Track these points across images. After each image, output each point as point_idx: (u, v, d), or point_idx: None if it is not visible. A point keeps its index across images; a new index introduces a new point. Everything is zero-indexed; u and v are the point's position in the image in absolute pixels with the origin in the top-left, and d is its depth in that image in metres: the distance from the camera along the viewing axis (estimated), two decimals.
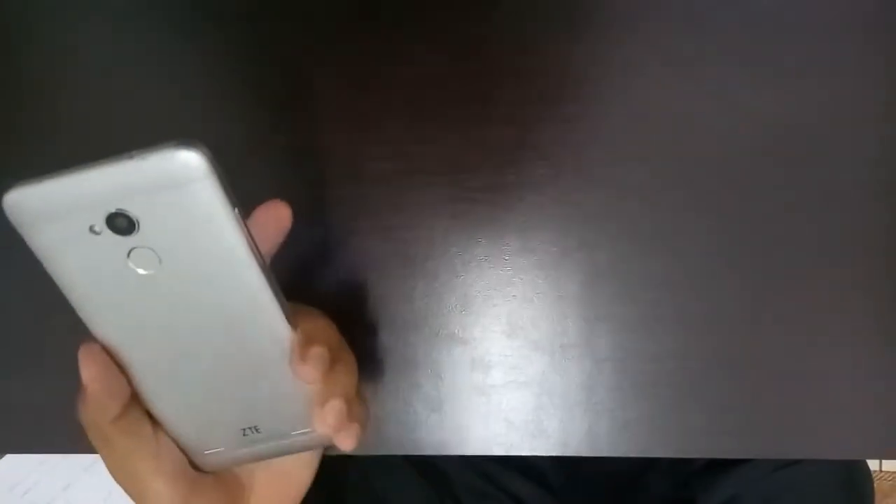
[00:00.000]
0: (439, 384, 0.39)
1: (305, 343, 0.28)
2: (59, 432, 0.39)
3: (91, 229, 0.24)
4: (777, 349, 0.38)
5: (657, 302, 0.38)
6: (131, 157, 0.23)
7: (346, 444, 0.29)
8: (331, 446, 0.30)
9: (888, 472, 1.09)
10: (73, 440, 0.40)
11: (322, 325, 0.31)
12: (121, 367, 0.28)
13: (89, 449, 0.37)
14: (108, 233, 0.24)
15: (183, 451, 0.30)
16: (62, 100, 0.43)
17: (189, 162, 0.23)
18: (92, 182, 0.23)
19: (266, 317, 0.27)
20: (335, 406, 0.28)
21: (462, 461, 0.57)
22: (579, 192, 0.40)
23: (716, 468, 0.50)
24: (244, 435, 0.30)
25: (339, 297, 0.40)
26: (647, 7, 0.41)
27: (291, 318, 0.28)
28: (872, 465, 1.03)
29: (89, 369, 0.27)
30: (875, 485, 1.06)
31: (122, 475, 0.29)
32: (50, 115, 0.43)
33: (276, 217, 0.30)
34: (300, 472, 0.34)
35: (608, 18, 0.41)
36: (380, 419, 0.40)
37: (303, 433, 0.31)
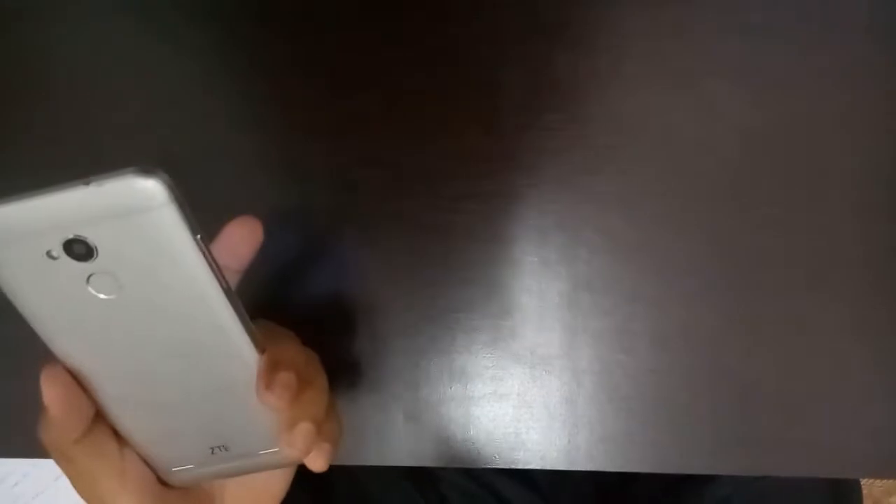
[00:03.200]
0: (419, 395, 0.39)
1: (271, 368, 0.27)
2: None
3: (48, 254, 0.24)
4: (755, 365, 0.38)
5: (636, 315, 0.38)
6: (88, 184, 0.23)
7: (317, 465, 0.29)
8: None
9: None
10: None
11: (290, 347, 0.31)
12: (84, 387, 0.27)
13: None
14: (65, 258, 0.24)
15: (150, 467, 0.30)
16: (36, 103, 0.42)
17: (148, 190, 0.23)
18: (48, 208, 0.23)
19: (230, 341, 0.27)
20: (303, 429, 0.28)
21: (461, 473, 0.58)
22: (559, 202, 0.39)
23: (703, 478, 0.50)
24: (212, 453, 0.30)
25: (317, 306, 0.40)
26: (629, 18, 0.40)
27: (258, 340, 0.28)
28: None
29: (51, 391, 0.26)
30: (867, 491, 1.06)
31: (89, 495, 0.29)
32: (23, 119, 0.42)
33: (248, 232, 0.30)
34: (273, 483, 0.34)
35: (589, 29, 0.40)
36: (358, 430, 0.39)
37: (272, 452, 0.30)
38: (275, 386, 0.27)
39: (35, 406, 0.35)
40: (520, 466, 0.39)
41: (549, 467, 0.38)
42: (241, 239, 0.30)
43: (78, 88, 0.42)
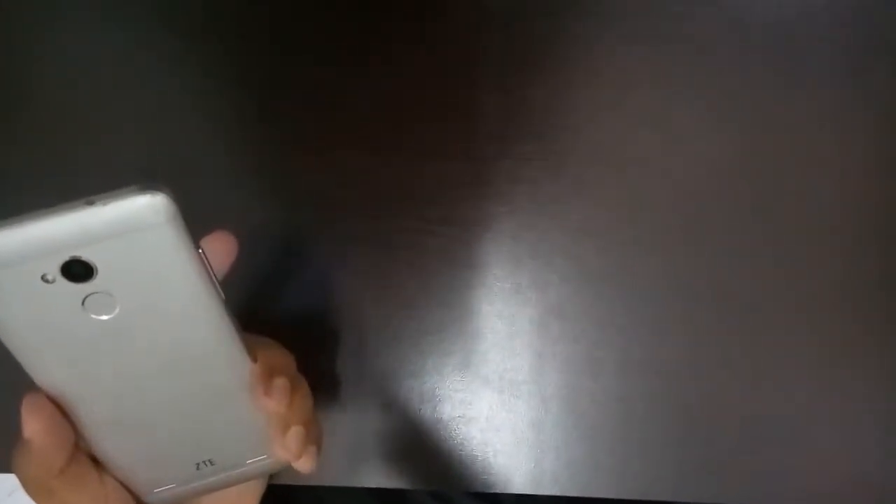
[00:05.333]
0: (389, 416, 0.39)
1: (267, 374, 0.28)
2: None
3: (43, 278, 0.23)
4: (719, 393, 0.38)
5: (603, 343, 0.39)
6: (91, 204, 0.22)
7: (307, 466, 0.30)
8: (275, 475, 0.30)
9: None
10: None
11: (279, 355, 0.31)
12: (66, 414, 0.27)
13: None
14: (62, 281, 0.23)
15: (131, 490, 0.30)
16: (16, 114, 0.42)
17: (154, 207, 0.23)
18: (48, 231, 0.22)
19: (226, 352, 0.27)
20: (297, 432, 0.29)
21: (429, 494, 0.57)
22: (533, 229, 0.40)
23: None
24: (197, 469, 0.30)
25: (289, 325, 0.40)
26: (602, 57, 0.41)
27: (249, 349, 0.28)
28: None
29: (35, 422, 0.25)
30: None
31: None
32: (3, 129, 0.42)
33: (223, 246, 0.30)
34: (246, 499, 0.34)
35: (565, 65, 0.41)
36: (328, 450, 0.39)
37: (258, 460, 0.31)
38: (273, 391, 0.28)
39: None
40: (487, 490, 0.39)
41: (515, 491, 0.39)
42: (216, 253, 0.30)
43: (59, 101, 0.42)
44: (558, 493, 0.38)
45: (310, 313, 0.40)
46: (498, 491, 0.39)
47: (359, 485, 0.39)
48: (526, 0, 0.42)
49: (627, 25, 0.42)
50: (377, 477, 0.39)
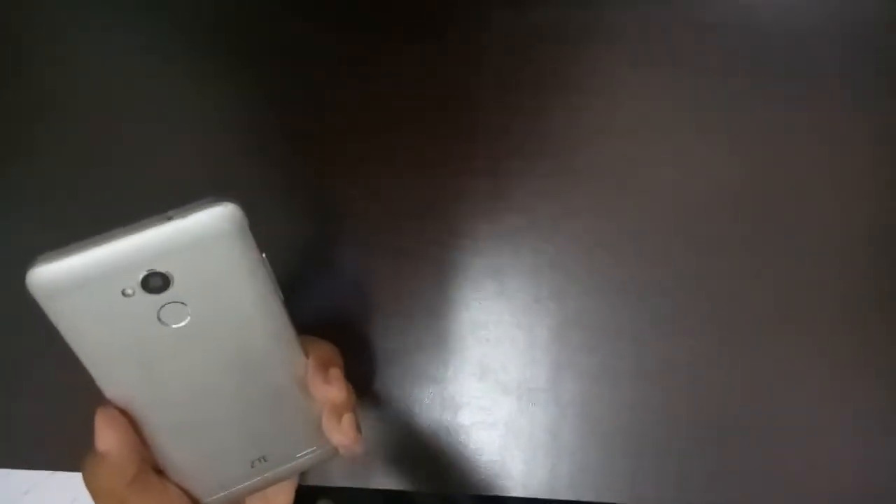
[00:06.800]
0: (410, 421, 0.41)
1: (322, 366, 0.30)
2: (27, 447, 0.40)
3: (123, 292, 0.24)
4: (732, 401, 0.40)
5: (619, 353, 0.40)
6: (170, 219, 0.23)
7: (358, 450, 0.31)
8: (304, 474, 0.31)
9: None
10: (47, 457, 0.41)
11: (327, 348, 0.33)
12: (134, 425, 0.27)
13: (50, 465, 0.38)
14: (140, 293, 0.24)
15: (190, 495, 0.30)
16: (41, 128, 0.44)
17: (227, 217, 0.24)
18: (130, 248, 0.23)
19: (285, 350, 0.29)
20: (350, 419, 0.31)
21: (440, 500, 0.59)
22: (551, 243, 0.42)
23: None
24: (252, 467, 0.31)
25: (320, 330, 0.41)
26: (619, 77, 0.43)
27: (301, 345, 0.30)
28: None
29: (109, 436, 0.26)
30: None
31: None
32: (28, 143, 0.44)
33: None
34: (282, 499, 0.36)
35: (584, 85, 0.43)
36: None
37: (307, 453, 0.32)
38: (332, 379, 0.30)
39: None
40: (504, 494, 0.40)
41: (531, 496, 0.40)
42: None
43: (85, 116, 0.44)
44: (573, 498, 0.40)
45: (336, 320, 0.42)
46: (516, 495, 0.40)
47: (382, 487, 0.41)
48: (547, 26, 0.44)
49: (644, 48, 0.43)
50: (399, 480, 0.41)
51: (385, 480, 0.41)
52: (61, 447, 0.40)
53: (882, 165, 0.42)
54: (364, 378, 0.41)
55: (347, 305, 0.42)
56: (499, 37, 0.44)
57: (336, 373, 0.30)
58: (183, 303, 0.25)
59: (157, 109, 0.44)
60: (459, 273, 0.42)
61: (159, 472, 0.29)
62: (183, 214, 0.23)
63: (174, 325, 0.25)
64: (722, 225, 0.41)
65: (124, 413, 0.27)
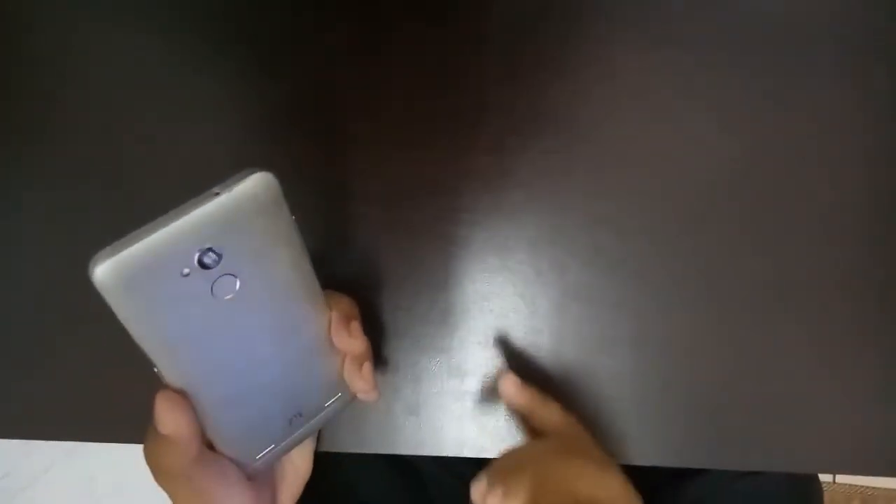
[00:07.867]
0: (418, 389, 0.43)
1: (345, 318, 0.32)
2: (39, 420, 0.42)
3: (181, 273, 0.24)
4: (728, 368, 0.42)
5: (618, 323, 0.42)
6: (217, 195, 0.24)
7: (376, 396, 0.34)
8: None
9: (841, 483, 1.14)
10: (57, 428, 0.43)
11: (346, 302, 0.35)
12: (191, 404, 0.28)
13: (70, 436, 0.40)
14: (196, 271, 0.24)
15: (237, 462, 0.32)
16: (51, 111, 0.46)
17: (265, 185, 0.25)
18: (186, 229, 0.23)
19: (317, 307, 0.31)
20: (370, 367, 0.33)
21: (440, 466, 0.60)
22: (553, 218, 0.43)
23: (683, 476, 0.54)
24: (290, 424, 0.32)
25: None
26: (620, 58, 0.44)
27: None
28: (827, 476, 1.08)
29: (173, 416, 0.27)
30: (829, 496, 1.10)
31: None
32: (36, 127, 0.46)
33: None
34: (303, 463, 0.38)
35: (588, 63, 0.45)
36: (361, 420, 0.43)
37: (334, 401, 0.34)
38: (354, 332, 0.32)
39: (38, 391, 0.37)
40: None
41: None
42: None
43: (97, 98, 0.46)
44: None
45: (348, 293, 0.43)
46: None
47: (391, 452, 0.42)
48: (551, 4, 0.45)
49: (645, 28, 0.45)
50: (407, 445, 0.43)
51: (393, 445, 0.42)
52: (83, 421, 0.42)
53: (878, 142, 0.43)
54: (374, 348, 0.43)
55: (357, 279, 0.43)
56: (501, 17, 0.45)
57: (357, 325, 0.33)
58: (233, 274, 0.25)
59: (168, 94, 0.46)
60: (464, 247, 0.43)
61: (209, 445, 0.30)
62: (227, 188, 0.24)
63: (226, 298, 0.26)
64: (720, 200, 0.43)
65: (183, 393, 0.28)
